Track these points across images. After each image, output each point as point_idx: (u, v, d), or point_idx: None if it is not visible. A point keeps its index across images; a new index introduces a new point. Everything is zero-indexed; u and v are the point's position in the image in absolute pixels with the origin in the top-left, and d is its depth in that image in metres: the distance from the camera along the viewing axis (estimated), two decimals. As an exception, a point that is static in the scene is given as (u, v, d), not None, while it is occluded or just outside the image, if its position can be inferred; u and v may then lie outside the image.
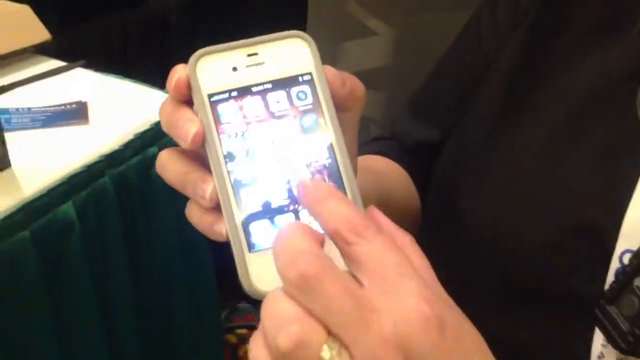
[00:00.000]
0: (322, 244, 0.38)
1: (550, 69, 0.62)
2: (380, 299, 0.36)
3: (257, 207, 0.42)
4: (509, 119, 0.63)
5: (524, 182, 0.60)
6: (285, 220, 0.42)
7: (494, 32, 0.70)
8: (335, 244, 0.38)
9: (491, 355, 0.38)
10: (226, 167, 0.42)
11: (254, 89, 0.43)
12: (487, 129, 0.65)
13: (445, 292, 0.39)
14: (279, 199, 0.42)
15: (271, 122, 0.43)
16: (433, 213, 0.71)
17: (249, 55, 0.44)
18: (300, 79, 0.44)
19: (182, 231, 1.17)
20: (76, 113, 1.18)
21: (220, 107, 0.43)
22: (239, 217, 0.42)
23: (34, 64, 1.31)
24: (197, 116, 0.43)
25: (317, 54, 0.44)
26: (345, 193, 0.43)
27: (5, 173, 1.03)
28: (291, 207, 0.42)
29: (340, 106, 0.45)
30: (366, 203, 0.43)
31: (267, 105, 0.43)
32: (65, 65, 1.31)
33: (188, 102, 0.44)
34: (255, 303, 2.08)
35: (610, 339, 0.52)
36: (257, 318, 1.82)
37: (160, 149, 1.11)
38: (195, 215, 0.45)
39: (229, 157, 0.42)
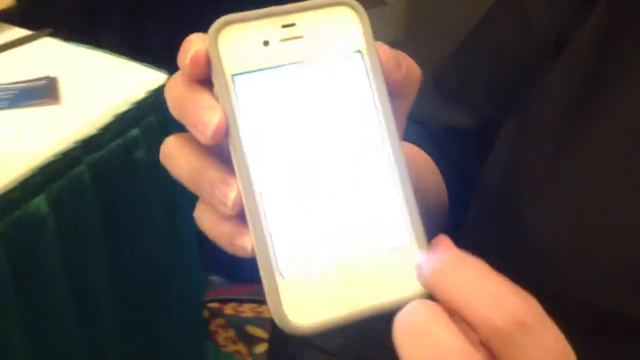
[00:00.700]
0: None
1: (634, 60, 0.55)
2: None
3: (295, 221, 0.36)
4: (584, 119, 0.57)
5: (601, 194, 0.54)
6: (335, 233, 0.36)
7: (551, 11, 0.63)
8: (485, 341, 0.32)
9: None
10: (255, 169, 0.36)
11: (290, 70, 0.37)
12: (557, 129, 0.58)
13: None
14: (322, 210, 0.37)
15: (311, 113, 0.37)
16: (487, 217, 0.65)
17: (284, 26, 0.38)
18: (347, 58, 0.38)
19: (170, 220, 1.15)
20: (45, 91, 1.14)
21: (248, 91, 0.37)
22: (271, 233, 0.36)
23: (-5, 33, 1.27)
24: (219, 102, 0.37)
25: (369, 28, 0.39)
26: (403, 209, 0.37)
27: (-35, 163, 0.99)
28: (342, 216, 0.37)
29: (393, 92, 0.40)
30: None
31: (305, 91, 0.38)
32: (31, 35, 1.26)
33: (205, 81, 0.38)
34: (227, 276, 2.05)
35: None
36: (228, 291, 1.84)
37: (143, 131, 1.12)
38: (208, 221, 0.39)
39: (259, 155, 0.36)
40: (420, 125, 0.73)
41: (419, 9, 1.78)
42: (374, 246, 0.37)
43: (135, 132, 1.07)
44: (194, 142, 0.39)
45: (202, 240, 0.35)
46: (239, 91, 0.37)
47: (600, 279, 0.53)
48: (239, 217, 0.37)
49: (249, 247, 0.37)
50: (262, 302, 1.88)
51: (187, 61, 0.37)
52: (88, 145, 1.03)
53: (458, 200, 0.70)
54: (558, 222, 0.55)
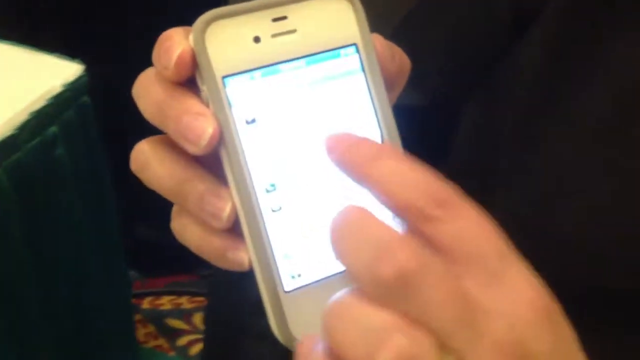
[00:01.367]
0: None
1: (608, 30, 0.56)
2: (485, 294, 0.31)
3: (296, 233, 0.35)
4: (556, 91, 0.57)
5: (573, 165, 0.54)
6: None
7: None
8: (405, 220, 0.32)
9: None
10: (251, 177, 0.35)
11: (283, 67, 0.36)
12: (527, 106, 0.59)
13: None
14: (322, 220, 0.35)
15: (309, 114, 0.36)
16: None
17: (275, 19, 0.36)
18: (342, 52, 0.37)
19: (94, 219, 1.11)
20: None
21: (239, 94, 0.35)
22: (271, 245, 0.35)
23: None
24: (208, 107, 0.35)
25: (364, 19, 0.37)
26: None
27: None
28: None
29: (385, 84, 0.39)
30: None
31: (301, 90, 0.36)
32: None
33: (185, 82, 0.36)
34: (141, 270, 2.02)
35: None
36: (143, 285, 1.81)
37: (62, 128, 1.06)
38: (193, 235, 0.37)
39: (255, 163, 0.35)
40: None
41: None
42: None
43: (53, 129, 1.02)
44: (174, 149, 0.36)
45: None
46: (231, 95, 0.35)
47: (564, 250, 0.53)
48: (230, 229, 0.36)
49: (246, 262, 0.36)
50: (180, 293, 1.85)
51: (172, 62, 0.34)
52: (3, 147, 0.98)
53: None
54: (528, 195, 0.56)
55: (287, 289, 0.35)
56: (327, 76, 0.37)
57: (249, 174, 0.35)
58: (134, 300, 1.76)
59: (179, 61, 0.34)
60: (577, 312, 0.36)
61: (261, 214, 0.35)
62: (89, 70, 1.04)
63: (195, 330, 1.76)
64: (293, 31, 0.36)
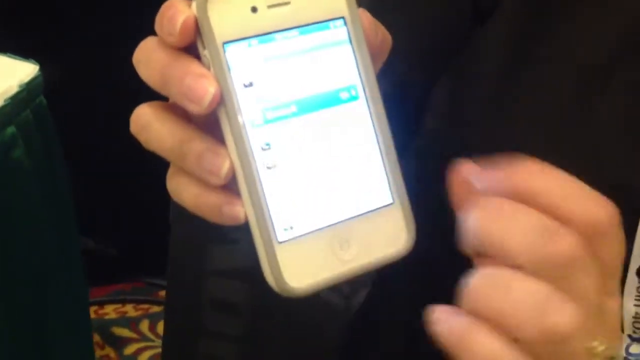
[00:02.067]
0: None
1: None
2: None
3: (289, 188, 0.37)
4: (520, 72, 0.58)
5: (540, 140, 0.56)
6: (325, 198, 0.38)
7: None
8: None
9: None
10: (248, 136, 0.37)
11: (278, 37, 0.38)
12: (495, 83, 0.60)
13: None
14: (314, 176, 0.38)
15: (299, 79, 0.38)
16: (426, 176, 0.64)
17: None
18: (331, 24, 0.39)
19: (53, 220, 1.08)
20: None
21: (237, 59, 0.37)
22: (266, 199, 0.37)
23: None
24: (209, 70, 0.37)
25: None
26: (385, 170, 0.39)
27: None
28: (330, 181, 0.38)
29: (370, 56, 0.41)
30: None
31: (293, 58, 0.38)
32: None
33: (187, 49, 0.38)
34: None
35: None
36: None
37: (19, 128, 1.03)
38: (190, 192, 0.38)
39: (251, 123, 0.37)
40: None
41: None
42: (361, 207, 0.38)
43: (11, 130, 0.99)
44: (174, 111, 0.38)
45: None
46: (230, 59, 0.37)
47: None
48: (225, 186, 0.37)
49: (241, 216, 0.37)
50: (124, 301, 1.81)
51: (177, 29, 0.36)
52: (-41, 150, 0.95)
53: None
54: None
55: (280, 239, 0.37)
56: (317, 45, 0.39)
57: (246, 133, 0.37)
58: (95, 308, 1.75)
59: (183, 27, 0.36)
60: None
61: (257, 170, 0.37)
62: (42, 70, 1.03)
63: (142, 338, 1.73)
64: (287, 3, 0.38)
